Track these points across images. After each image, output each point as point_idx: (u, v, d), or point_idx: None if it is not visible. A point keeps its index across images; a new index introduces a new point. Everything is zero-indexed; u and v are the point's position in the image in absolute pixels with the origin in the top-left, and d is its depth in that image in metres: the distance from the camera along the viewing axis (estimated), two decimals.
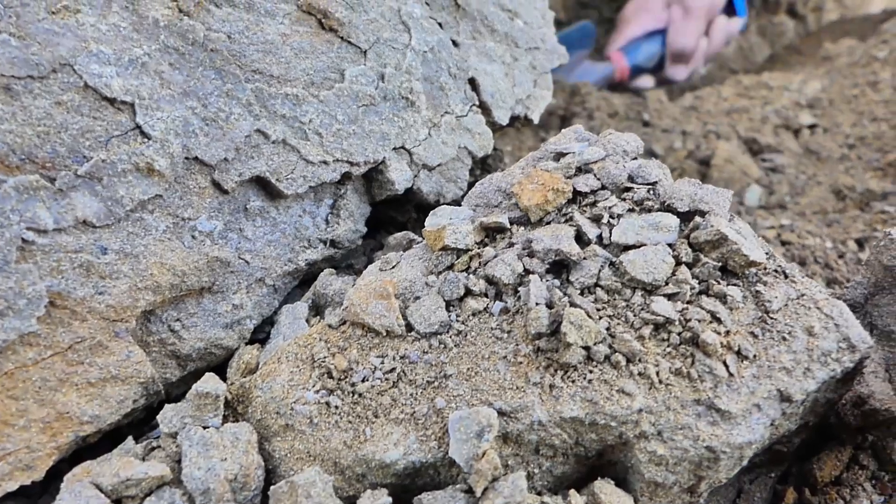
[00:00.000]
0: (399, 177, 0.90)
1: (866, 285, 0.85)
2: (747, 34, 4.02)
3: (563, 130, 0.89)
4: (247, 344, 0.79)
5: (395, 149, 0.90)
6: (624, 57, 2.16)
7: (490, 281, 0.70)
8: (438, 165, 0.95)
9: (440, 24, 1.03)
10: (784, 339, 0.66)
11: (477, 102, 1.03)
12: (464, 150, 0.99)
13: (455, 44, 1.04)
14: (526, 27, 1.17)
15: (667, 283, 0.68)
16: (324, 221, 0.86)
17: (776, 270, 0.71)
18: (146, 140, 0.70)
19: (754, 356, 0.65)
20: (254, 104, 0.78)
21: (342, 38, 0.87)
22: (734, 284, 0.70)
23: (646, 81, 2.24)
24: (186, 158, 0.73)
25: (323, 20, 0.87)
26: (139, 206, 0.70)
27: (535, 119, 1.18)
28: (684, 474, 0.63)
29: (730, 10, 2.36)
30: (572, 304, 0.65)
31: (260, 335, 0.81)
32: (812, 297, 0.70)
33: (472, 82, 1.05)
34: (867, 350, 0.68)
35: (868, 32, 3.64)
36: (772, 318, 0.68)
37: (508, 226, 0.76)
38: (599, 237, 0.72)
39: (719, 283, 0.69)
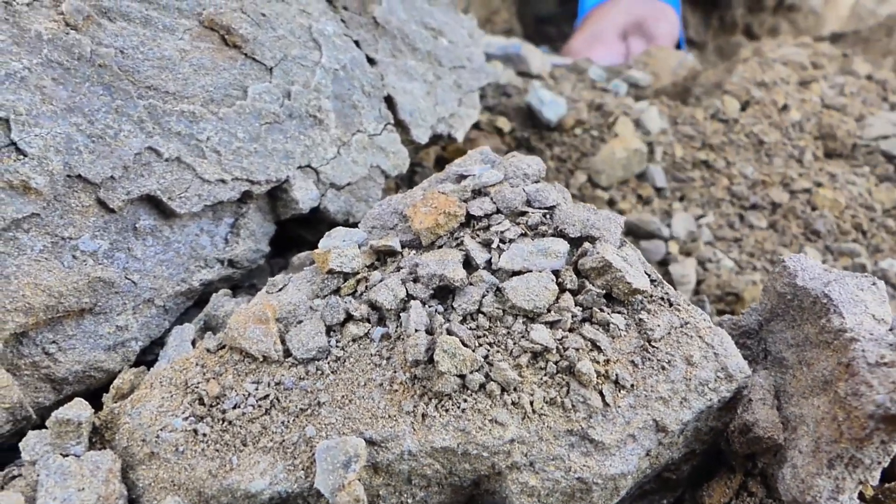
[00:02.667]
0: (304, 196, 0.89)
1: (762, 311, 0.85)
2: (705, 53, 4.10)
3: (469, 152, 0.89)
4: (131, 366, 0.77)
5: (300, 167, 0.89)
6: None
7: (373, 306, 0.69)
8: (348, 184, 0.94)
9: (357, 42, 1.02)
10: (663, 368, 0.66)
11: (392, 121, 1.02)
12: (376, 168, 0.98)
13: (372, 62, 1.04)
14: (451, 46, 1.17)
15: (549, 311, 0.67)
16: (223, 241, 0.85)
17: (661, 298, 0.72)
18: (22, 157, 0.68)
19: (632, 385, 0.65)
20: (146, 121, 0.77)
21: (246, 54, 0.86)
22: (618, 312, 0.70)
23: None
24: (68, 176, 0.71)
25: (226, 36, 0.85)
26: (12, 225, 0.68)
27: (460, 138, 1.18)
28: None
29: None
30: (449, 332, 0.65)
31: (150, 357, 0.79)
32: (695, 326, 0.70)
33: (389, 101, 1.04)
34: (744, 380, 0.68)
35: None
36: (653, 347, 0.68)
37: (399, 249, 0.75)
38: (489, 262, 0.72)
39: (603, 311, 0.69)
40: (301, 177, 0.89)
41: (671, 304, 0.71)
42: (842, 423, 0.63)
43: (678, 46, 2.27)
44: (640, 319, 0.69)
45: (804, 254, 0.95)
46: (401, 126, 1.06)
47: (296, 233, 0.97)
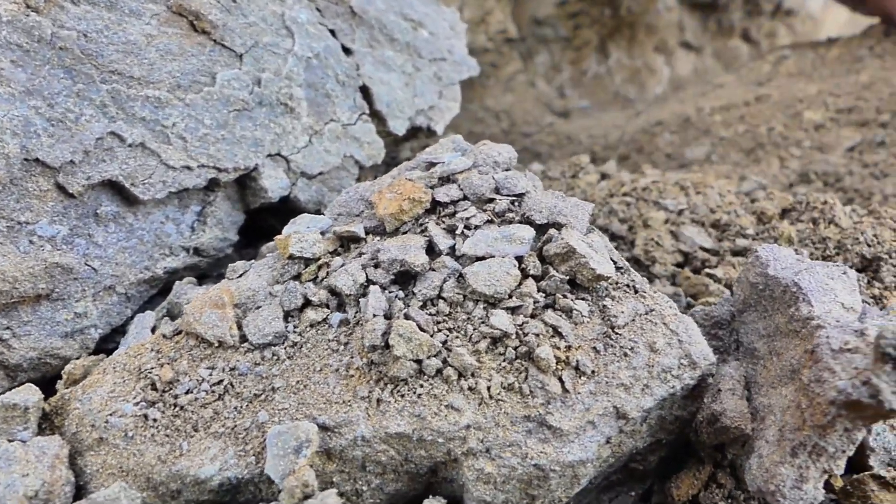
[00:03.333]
0: (273, 184, 0.88)
1: (734, 302, 0.84)
2: (702, 57, 4.09)
3: (441, 140, 0.88)
4: (90, 354, 0.76)
5: (270, 156, 0.88)
6: None
7: (333, 291, 0.68)
8: (320, 174, 0.93)
9: (332, 31, 1.01)
10: (626, 354, 0.65)
11: (367, 111, 1.01)
12: (350, 158, 0.97)
13: (348, 51, 1.03)
14: (431, 38, 1.17)
15: (510, 296, 0.66)
16: (189, 228, 0.84)
17: (627, 285, 0.70)
18: None
19: (593, 372, 0.63)
20: (109, 106, 0.76)
21: (215, 41, 0.85)
22: (582, 298, 0.68)
23: None
24: (26, 160, 0.70)
25: (195, 22, 0.85)
26: None
27: (440, 131, 1.17)
28: (515, 493, 0.61)
29: None
30: (406, 317, 0.63)
31: (111, 345, 0.78)
32: (660, 313, 0.68)
33: (365, 91, 1.03)
34: (708, 367, 0.67)
35: None
36: (616, 333, 0.66)
37: (363, 235, 0.74)
38: (452, 248, 0.71)
39: (566, 297, 0.67)
40: (271, 165, 0.88)
41: (636, 291, 0.70)
42: (805, 411, 0.62)
43: None
44: (604, 306, 0.68)
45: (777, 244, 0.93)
46: (377, 117, 1.05)
47: (267, 222, 0.96)
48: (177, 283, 0.78)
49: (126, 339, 0.74)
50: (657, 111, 2.43)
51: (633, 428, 0.65)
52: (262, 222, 0.94)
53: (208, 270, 0.89)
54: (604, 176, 1.35)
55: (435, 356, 0.62)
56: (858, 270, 0.99)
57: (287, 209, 0.94)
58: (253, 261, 0.75)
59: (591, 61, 3.82)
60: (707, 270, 1.04)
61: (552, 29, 3.48)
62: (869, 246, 1.02)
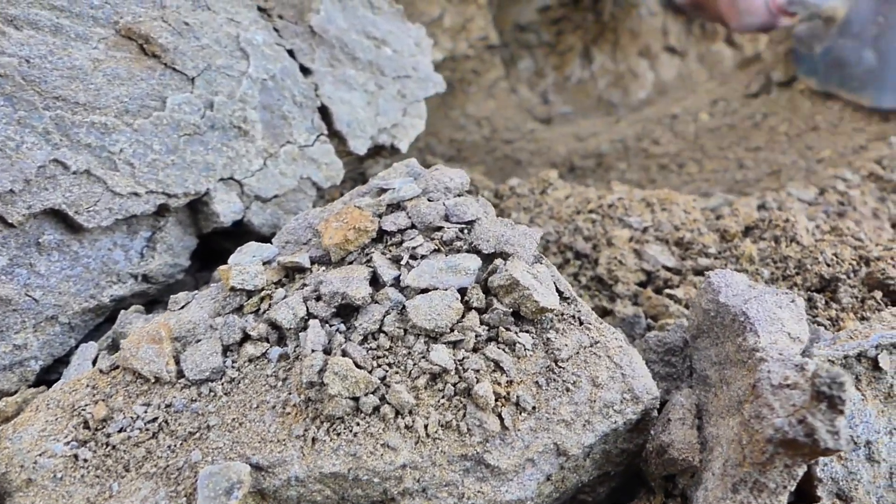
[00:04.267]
0: (225, 209, 0.87)
1: (689, 327, 0.84)
2: (687, 61, 4.10)
3: (395, 164, 0.87)
4: (30, 386, 0.74)
5: (222, 180, 0.87)
6: None
7: (274, 325, 0.67)
8: (275, 197, 0.93)
9: (291, 51, 1.00)
10: (568, 389, 0.64)
11: (326, 132, 1.00)
12: (307, 180, 0.97)
13: (308, 71, 1.02)
14: (395, 55, 1.16)
15: (452, 330, 0.65)
16: (138, 255, 0.83)
17: (573, 317, 0.70)
18: None
19: (534, 408, 0.63)
20: (53, 133, 0.75)
21: (166, 64, 0.84)
22: (526, 331, 0.68)
23: None
24: None
25: (145, 45, 0.84)
26: None
27: (403, 148, 1.16)
28: None
29: None
30: (344, 353, 0.63)
31: (54, 376, 0.77)
32: (605, 345, 0.68)
33: (325, 111, 1.02)
34: (651, 402, 0.66)
35: None
36: (560, 367, 0.66)
37: (308, 265, 0.73)
38: (397, 279, 0.70)
39: (509, 330, 0.67)
40: (223, 189, 0.87)
41: (581, 323, 0.69)
42: (745, 447, 0.61)
43: None
44: (548, 339, 0.67)
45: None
46: (337, 137, 1.04)
47: (222, 245, 0.95)
48: (122, 312, 0.77)
49: (68, 370, 0.72)
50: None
51: (575, 464, 0.64)
52: (216, 245, 0.93)
53: (159, 297, 0.88)
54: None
55: (373, 393, 0.61)
56: (817, 291, 0.99)
57: (242, 232, 0.93)
58: (196, 291, 0.74)
59: (575, 66, 3.82)
60: (668, 291, 1.03)
61: (535, 35, 3.48)
62: (828, 266, 1.01)
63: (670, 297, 1.02)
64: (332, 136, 1.04)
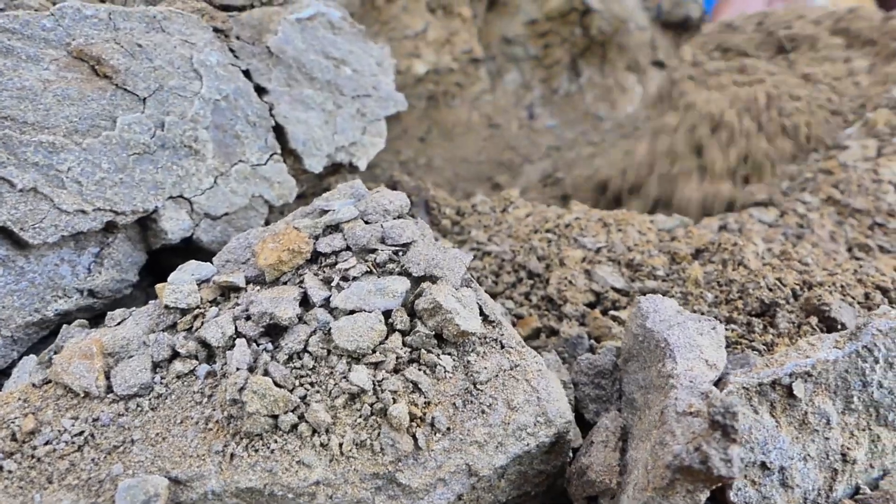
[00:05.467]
0: (173, 226, 0.89)
1: (621, 351, 0.86)
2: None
3: (340, 185, 0.89)
4: None
5: (171, 198, 0.90)
6: None
7: (204, 343, 0.70)
8: (225, 214, 0.95)
9: (247, 72, 1.03)
10: (483, 411, 0.67)
11: (279, 151, 1.03)
12: (259, 198, 0.99)
13: (264, 91, 1.05)
14: (355, 75, 1.18)
15: (374, 352, 0.68)
16: (85, 270, 0.85)
17: (495, 340, 0.72)
18: None
19: (448, 429, 0.65)
20: (0, 151, 0.77)
21: (117, 85, 0.87)
22: (448, 353, 0.70)
23: None
24: None
25: (96, 67, 0.86)
26: None
27: (362, 166, 1.18)
28: None
29: None
30: (265, 372, 0.65)
31: None
32: (524, 369, 0.70)
33: (280, 130, 1.05)
34: (564, 425, 0.68)
35: None
36: (478, 390, 0.68)
37: (243, 285, 0.75)
38: (327, 301, 0.72)
39: (431, 352, 0.69)
40: (172, 207, 0.90)
41: (503, 347, 0.72)
42: (650, 472, 0.64)
43: None
44: (469, 361, 0.70)
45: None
46: (293, 155, 1.07)
47: (172, 261, 0.97)
48: (64, 326, 0.79)
49: (7, 383, 0.75)
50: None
51: (488, 484, 0.66)
52: (168, 262, 0.95)
53: (105, 311, 0.89)
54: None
55: (292, 411, 0.64)
56: (756, 315, 1.01)
57: (192, 249, 0.95)
58: (133, 308, 0.76)
59: (563, 80, 3.85)
60: (612, 313, 1.06)
61: (522, 48, 3.51)
62: (769, 290, 1.04)
63: (614, 318, 1.04)
64: (287, 155, 1.06)
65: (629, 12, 4.06)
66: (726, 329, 0.99)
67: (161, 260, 0.96)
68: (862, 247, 1.35)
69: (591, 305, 1.12)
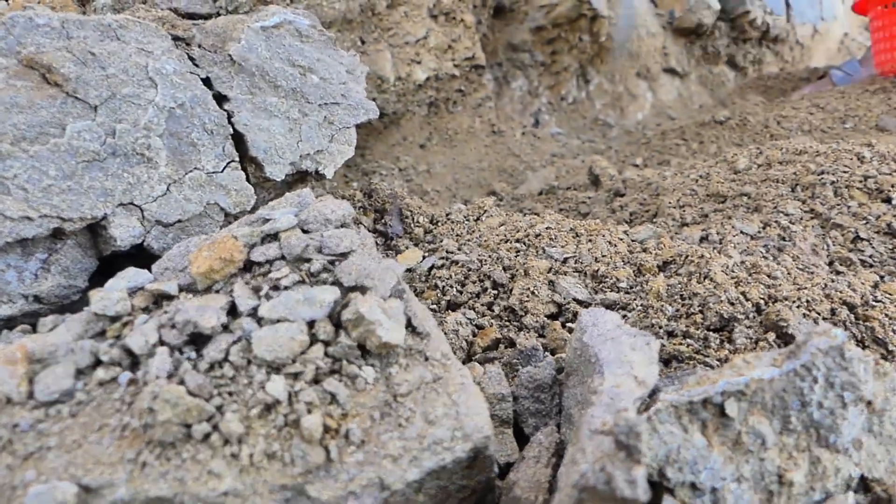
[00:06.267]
0: (123, 233, 0.90)
1: (565, 364, 0.85)
2: (687, 83, 4.10)
3: (287, 194, 0.90)
4: None
5: (121, 205, 0.90)
6: None
7: (128, 350, 0.70)
8: (178, 222, 0.96)
9: (207, 79, 1.04)
10: (401, 424, 0.66)
11: (237, 159, 1.03)
12: (214, 206, 1.00)
13: (225, 99, 1.05)
14: (322, 83, 1.19)
15: (294, 362, 0.68)
16: (32, 276, 0.86)
17: (419, 352, 0.72)
18: None
19: (363, 441, 0.65)
20: None
21: (68, 93, 0.88)
22: (371, 365, 0.70)
23: None
24: None
25: (47, 75, 0.87)
26: None
27: (329, 174, 1.18)
28: None
29: None
30: (181, 382, 0.65)
31: None
32: (447, 382, 0.70)
33: (239, 138, 1.05)
34: (482, 440, 0.67)
35: (789, 90, 3.71)
36: (397, 402, 0.67)
37: (175, 293, 0.76)
38: (255, 310, 0.72)
39: (352, 363, 0.69)
40: (123, 214, 0.91)
41: (427, 359, 0.71)
42: (561, 490, 0.63)
43: None
44: (390, 373, 0.69)
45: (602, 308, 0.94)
46: (254, 163, 1.07)
47: (124, 267, 0.98)
48: (4, 332, 0.80)
49: None
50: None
51: (403, 498, 0.66)
52: (121, 268, 0.96)
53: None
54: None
55: (207, 421, 0.64)
56: (715, 330, 1.00)
57: (146, 256, 0.96)
58: (67, 315, 0.77)
59: (571, 86, 3.84)
60: (570, 325, 1.04)
61: (529, 54, 3.50)
62: (731, 304, 1.02)
63: (571, 330, 1.03)
64: (248, 163, 1.07)
65: (640, 18, 4.03)
66: (682, 344, 0.97)
67: (116, 267, 0.97)
68: (844, 261, 1.32)
69: (554, 317, 1.10)
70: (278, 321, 0.70)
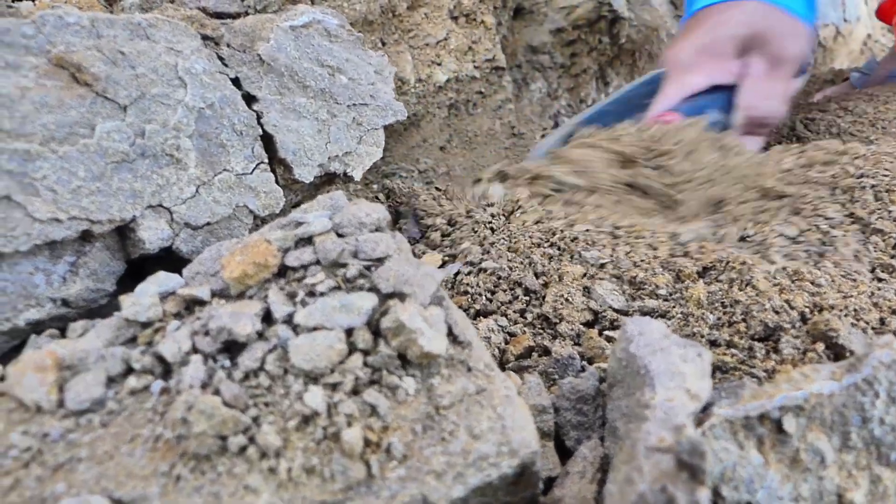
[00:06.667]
0: (152, 236, 0.88)
1: (606, 375, 0.82)
2: None
3: (319, 197, 0.87)
4: None
5: (150, 207, 0.88)
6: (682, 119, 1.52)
7: (161, 358, 0.68)
8: (207, 224, 0.93)
9: (236, 79, 1.02)
10: (443, 438, 0.63)
11: (266, 160, 1.01)
12: (243, 208, 0.97)
13: (254, 99, 1.03)
14: (351, 83, 1.16)
15: (332, 372, 0.65)
16: (60, 279, 0.84)
17: (461, 362, 0.69)
18: None
19: (405, 456, 0.62)
20: None
21: (97, 92, 0.86)
22: (412, 375, 0.67)
23: None
24: None
25: (77, 74, 0.85)
26: None
27: (357, 176, 1.16)
28: None
29: None
30: (216, 392, 0.63)
31: None
32: (491, 394, 0.67)
33: (269, 139, 1.03)
34: (529, 456, 0.64)
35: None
36: (440, 415, 0.65)
37: (208, 298, 0.73)
38: (290, 317, 0.70)
39: (392, 374, 0.66)
40: (152, 216, 0.89)
41: (469, 370, 0.68)
42: None
43: (801, 71, 1.76)
44: (432, 385, 0.66)
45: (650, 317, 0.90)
46: (283, 165, 1.05)
47: (154, 270, 0.95)
48: (32, 336, 0.78)
49: None
50: None
51: None
52: (151, 271, 0.94)
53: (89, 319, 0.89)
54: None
55: (243, 433, 0.61)
56: (760, 340, 0.96)
57: (175, 258, 0.94)
58: (98, 320, 0.75)
59: (591, 89, 3.79)
60: (607, 333, 1.01)
61: (548, 56, 3.47)
62: (776, 313, 0.98)
63: (609, 339, 1.00)
64: (277, 164, 1.05)
65: (660, 20, 3.99)
66: (725, 354, 0.94)
67: (145, 269, 0.95)
68: (886, 267, 1.28)
69: (590, 324, 1.07)
70: (315, 329, 0.68)
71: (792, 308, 0.99)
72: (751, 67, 1.50)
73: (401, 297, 0.71)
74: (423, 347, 0.65)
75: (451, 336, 0.70)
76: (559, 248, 1.21)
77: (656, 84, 1.63)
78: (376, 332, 0.69)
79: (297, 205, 1.24)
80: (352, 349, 0.67)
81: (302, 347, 0.65)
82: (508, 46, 3.37)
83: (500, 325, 1.07)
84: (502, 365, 1.03)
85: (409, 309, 0.68)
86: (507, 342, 1.05)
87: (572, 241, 1.24)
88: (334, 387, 0.64)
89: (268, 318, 0.70)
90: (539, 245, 1.24)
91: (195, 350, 0.67)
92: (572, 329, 1.04)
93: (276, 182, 1.01)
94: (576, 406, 0.80)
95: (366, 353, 0.67)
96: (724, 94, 1.46)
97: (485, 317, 1.09)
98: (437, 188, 1.50)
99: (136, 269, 0.95)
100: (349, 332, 0.68)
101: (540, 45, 3.48)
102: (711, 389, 0.70)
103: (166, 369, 0.68)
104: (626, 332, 0.78)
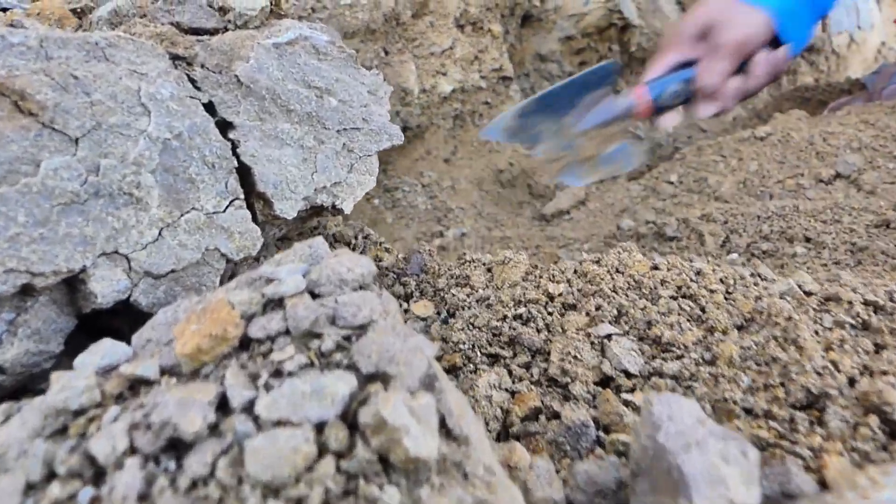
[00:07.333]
0: (105, 288, 0.76)
1: (628, 463, 0.70)
2: None
3: (296, 245, 0.75)
4: None
5: (104, 254, 0.77)
6: (648, 91, 1.81)
7: (92, 459, 0.56)
8: (171, 272, 0.82)
9: (209, 104, 0.90)
10: None
11: (241, 196, 0.90)
12: (214, 252, 0.86)
13: (230, 126, 0.92)
14: (341, 105, 1.05)
15: (297, 482, 0.53)
16: None
17: (456, 466, 0.57)
18: None
19: None
20: None
21: (44, 123, 0.75)
22: (395, 484, 0.55)
23: (670, 119, 1.93)
24: None
25: (20, 102, 0.74)
26: None
27: (347, 209, 1.04)
28: None
29: (775, 42, 1.91)
30: None
31: None
32: None
33: (247, 171, 0.92)
34: None
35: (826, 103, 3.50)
36: None
37: (157, 377, 0.62)
38: (250, 404, 0.58)
39: (372, 482, 0.54)
40: (106, 265, 0.77)
41: (466, 476, 0.56)
42: None
43: (776, 45, 1.91)
44: (419, 497, 0.54)
45: (678, 394, 0.78)
46: (262, 199, 0.93)
47: (110, 324, 0.84)
48: None
49: None
50: None
51: None
52: (105, 325, 0.82)
53: (30, 384, 0.77)
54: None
55: None
56: (801, 408, 0.84)
57: (134, 311, 0.82)
58: (25, 400, 0.63)
59: None
60: (624, 395, 0.89)
61: (557, 65, 3.34)
62: (818, 375, 0.86)
63: (626, 403, 0.87)
64: (256, 199, 0.93)
65: (671, 28, 3.86)
66: (762, 426, 0.81)
67: (99, 323, 0.83)
68: None
69: (604, 383, 0.95)
70: (279, 424, 0.56)
71: (838, 370, 0.87)
72: (704, 50, 1.84)
73: (384, 379, 0.59)
74: (410, 451, 0.53)
75: (445, 429, 0.59)
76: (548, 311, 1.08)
77: (606, 72, 1.89)
78: (353, 426, 0.57)
79: (282, 238, 1.12)
80: (322, 451, 0.55)
81: (261, 451, 0.53)
82: (516, 55, 3.25)
83: (502, 382, 0.95)
84: (506, 428, 0.91)
85: (393, 399, 0.56)
86: (510, 401, 0.93)
87: (559, 295, 1.10)
88: (299, 502, 0.52)
89: (224, 404, 0.58)
90: (533, 302, 1.10)
91: (133, 450, 0.55)
92: (587, 390, 0.92)
93: (254, 220, 0.90)
94: (593, 501, 0.68)
95: (339, 455, 0.55)
96: (689, 70, 1.81)
97: (484, 371, 0.97)
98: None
99: (91, 323, 0.83)
100: (320, 427, 0.56)
101: (549, 54, 3.36)
102: (760, 498, 0.58)
103: (98, 472, 0.56)
104: (652, 416, 0.66)
